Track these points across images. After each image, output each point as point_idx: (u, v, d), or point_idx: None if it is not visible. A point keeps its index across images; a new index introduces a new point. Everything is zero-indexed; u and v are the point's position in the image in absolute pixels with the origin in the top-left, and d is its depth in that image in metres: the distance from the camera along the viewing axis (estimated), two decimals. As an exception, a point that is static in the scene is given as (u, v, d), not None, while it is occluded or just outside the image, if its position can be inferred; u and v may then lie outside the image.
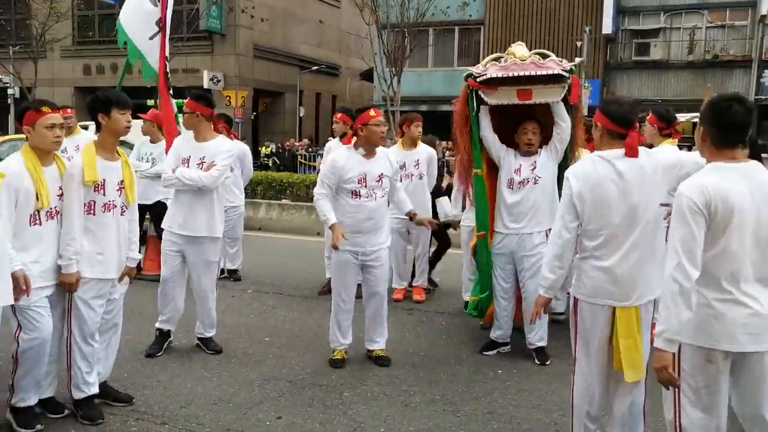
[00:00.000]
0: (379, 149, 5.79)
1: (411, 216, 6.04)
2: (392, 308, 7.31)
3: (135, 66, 8.16)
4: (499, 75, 5.65)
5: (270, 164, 25.27)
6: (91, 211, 4.52)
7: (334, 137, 8.50)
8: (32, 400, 4.47)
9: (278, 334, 6.67)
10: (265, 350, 6.17)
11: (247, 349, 6.19)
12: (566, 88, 5.68)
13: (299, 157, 26.22)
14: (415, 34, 25.48)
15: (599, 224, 3.84)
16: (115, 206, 4.60)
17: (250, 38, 33.40)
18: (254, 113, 35.06)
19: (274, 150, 28.05)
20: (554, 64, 5.59)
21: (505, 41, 28.54)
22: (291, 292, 8.37)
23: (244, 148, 9.14)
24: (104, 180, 4.52)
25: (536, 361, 5.93)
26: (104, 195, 4.54)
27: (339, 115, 8.20)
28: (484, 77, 5.71)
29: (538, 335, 5.95)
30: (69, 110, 9.21)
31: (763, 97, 24.87)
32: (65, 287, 4.46)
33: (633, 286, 3.81)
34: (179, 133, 6.66)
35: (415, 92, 28.76)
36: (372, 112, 5.62)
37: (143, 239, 7.67)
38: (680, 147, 6.13)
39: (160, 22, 7.71)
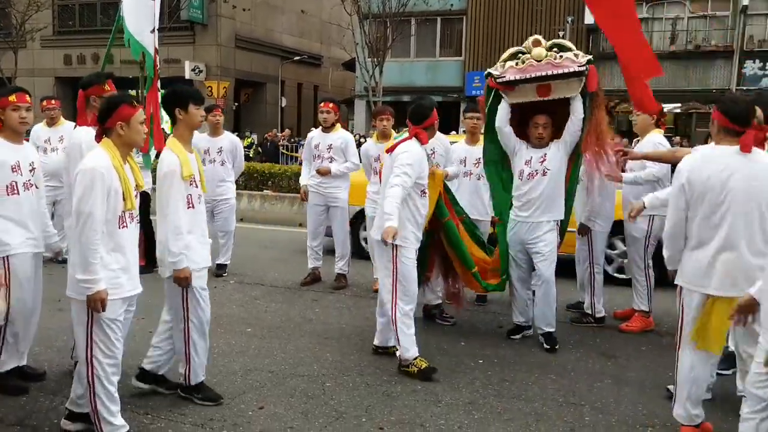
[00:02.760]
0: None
1: None
2: (372, 299, 7.34)
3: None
4: (517, 77, 5.80)
5: (251, 154, 25.14)
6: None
7: (317, 127, 8.38)
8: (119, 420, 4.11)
9: (260, 324, 6.67)
10: (247, 341, 6.17)
11: (229, 339, 6.18)
12: (583, 81, 5.80)
13: (281, 147, 26.08)
14: (397, 24, 25.45)
15: (704, 214, 4.12)
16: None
17: (232, 28, 33.25)
18: (236, 104, 34.93)
19: (255, 141, 27.92)
20: (570, 62, 5.72)
21: (487, 31, 28.65)
22: (273, 283, 8.36)
23: (235, 140, 8.81)
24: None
25: (545, 346, 6.05)
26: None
27: (331, 105, 7.98)
28: (503, 79, 5.85)
29: (545, 321, 6.08)
30: (53, 101, 9.16)
31: (744, 88, 25.03)
32: (182, 282, 4.44)
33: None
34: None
35: (398, 82, 28.74)
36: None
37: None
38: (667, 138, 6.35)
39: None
